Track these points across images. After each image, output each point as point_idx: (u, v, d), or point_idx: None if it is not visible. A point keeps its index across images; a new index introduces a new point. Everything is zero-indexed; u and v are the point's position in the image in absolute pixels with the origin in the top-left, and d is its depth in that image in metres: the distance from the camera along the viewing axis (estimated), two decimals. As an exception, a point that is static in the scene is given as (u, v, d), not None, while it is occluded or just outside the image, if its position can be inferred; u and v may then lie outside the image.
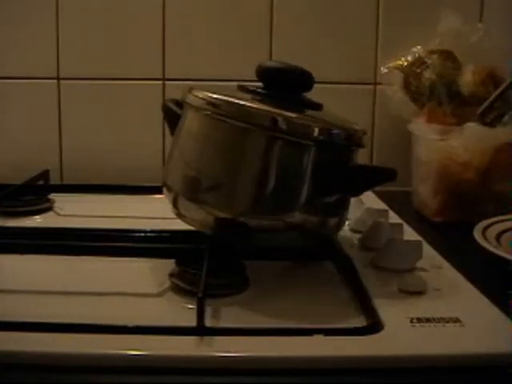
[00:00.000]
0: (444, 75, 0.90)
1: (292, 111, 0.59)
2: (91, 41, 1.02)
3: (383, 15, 1.03)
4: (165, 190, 0.64)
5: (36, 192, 0.87)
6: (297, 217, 0.58)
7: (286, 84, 0.63)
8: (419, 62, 0.93)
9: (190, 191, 0.60)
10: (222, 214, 0.58)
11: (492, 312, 0.53)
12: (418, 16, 1.01)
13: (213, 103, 0.60)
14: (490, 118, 0.85)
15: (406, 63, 0.93)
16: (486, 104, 0.85)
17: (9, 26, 1.01)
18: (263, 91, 0.63)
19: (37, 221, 0.80)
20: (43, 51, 1.01)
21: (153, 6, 1.01)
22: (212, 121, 0.60)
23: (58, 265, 0.63)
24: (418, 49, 0.94)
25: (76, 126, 1.03)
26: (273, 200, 0.58)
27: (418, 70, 0.92)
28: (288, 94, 0.63)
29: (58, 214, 0.83)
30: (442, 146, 0.83)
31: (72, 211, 0.83)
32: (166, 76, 1.02)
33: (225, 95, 0.60)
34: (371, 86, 1.05)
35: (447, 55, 0.92)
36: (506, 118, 0.84)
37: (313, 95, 0.64)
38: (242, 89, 0.64)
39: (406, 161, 0.95)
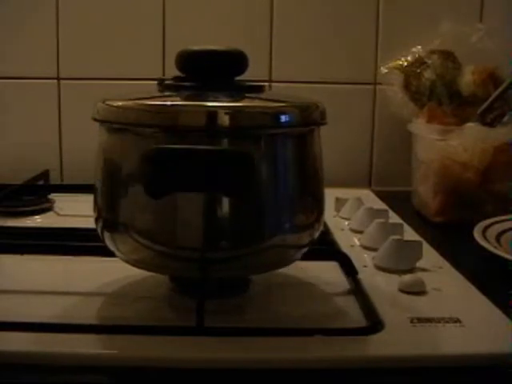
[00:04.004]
0: (444, 75, 0.90)
1: (230, 100, 0.50)
2: (91, 41, 1.02)
3: (383, 15, 1.03)
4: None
5: (36, 192, 0.87)
6: (269, 240, 0.50)
7: (213, 70, 0.52)
8: (419, 62, 0.93)
9: (127, 232, 0.50)
10: (165, 252, 0.49)
11: (492, 312, 0.53)
12: (418, 16, 1.01)
13: (123, 113, 0.49)
14: (490, 118, 0.85)
15: (406, 63, 0.93)
16: (485, 104, 0.85)
17: (9, 25, 1.01)
18: (189, 84, 0.53)
19: (37, 221, 0.81)
20: (43, 51, 1.02)
21: (153, 6, 1.01)
22: (132, 137, 0.49)
23: (58, 265, 0.63)
24: (418, 49, 0.94)
25: (76, 126, 1.03)
26: (234, 225, 0.48)
27: (418, 70, 0.92)
28: (219, 82, 0.52)
29: (58, 214, 0.83)
30: (442, 146, 0.83)
31: (72, 211, 0.83)
32: (166, 76, 1.01)
33: (138, 99, 0.50)
34: (371, 86, 1.05)
35: (447, 55, 0.92)
36: (506, 117, 0.84)
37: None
38: (163, 86, 0.54)
39: (406, 161, 0.95)
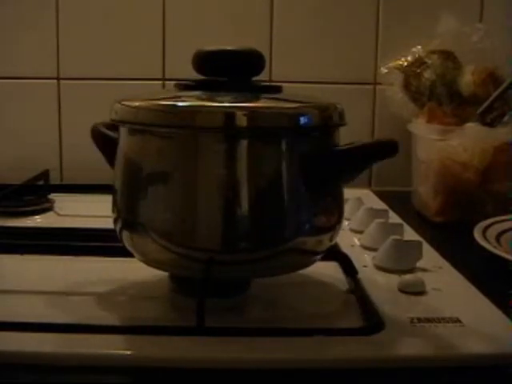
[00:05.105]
0: (444, 75, 0.90)
1: (248, 101, 0.50)
2: (91, 41, 1.02)
3: (383, 15, 1.03)
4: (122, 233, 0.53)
5: (36, 192, 0.87)
6: (287, 242, 0.49)
7: (231, 70, 0.52)
8: (419, 62, 0.93)
9: (145, 231, 0.49)
10: (183, 253, 0.49)
11: (492, 312, 0.53)
12: (418, 16, 1.01)
13: (141, 114, 0.49)
14: (490, 118, 0.85)
15: (406, 63, 0.93)
16: (485, 104, 0.85)
17: (9, 25, 1.01)
18: (207, 84, 0.53)
19: (37, 221, 0.80)
20: (43, 51, 1.02)
21: (153, 6, 1.01)
22: (151, 138, 0.49)
23: (58, 265, 0.63)
24: (418, 49, 0.94)
25: (76, 126, 1.03)
26: (251, 228, 0.48)
27: (418, 70, 0.92)
28: (237, 82, 0.53)
29: (58, 214, 0.83)
30: (442, 146, 0.83)
31: (72, 211, 0.83)
32: (166, 76, 1.02)
33: (156, 99, 0.50)
34: (371, 86, 1.05)
35: (447, 55, 0.92)
36: (506, 117, 0.84)
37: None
38: (181, 87, 0.53)
39: (406, 161, 0.95)
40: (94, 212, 0.78)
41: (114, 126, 0.53)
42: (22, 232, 0.71)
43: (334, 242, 0.54)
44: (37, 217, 0.82)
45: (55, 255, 0.61)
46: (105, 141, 0.55)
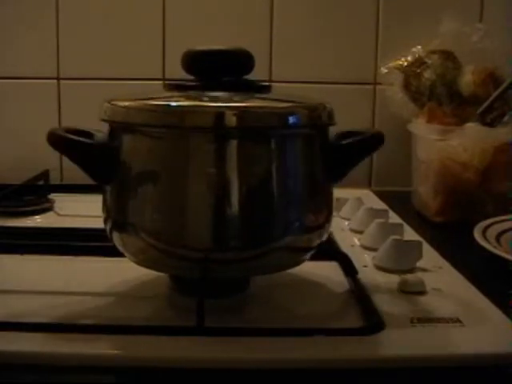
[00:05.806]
0: (444, 75, 0.90)
1: (237, 101, 0.50)
2: (91, 41, 1.02)
3: (383, 15, 1.03)
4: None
5: (36, 192, 0.87)
6: (278, 240, 0.50)
7: (220, 70, 0.52)
8: (419, 62, 0.93)
9: (135, 231, 0.49)
10: (174, 252, 0.49)
11: (492, 312, 0.53)
12: (418, 16, 1.01)
13: (131, 114, 0.49)
14: (490, 118, 0.85)
15: (406, 63, 0.93)
16: (485, 104, 0.85)
17: (9, 25, 1.01)
18: (196, 84, 0.52)
19: (37, 221, 0.80)
20: (43, 51, 1.02)
21: (153, 6, 1.01)
22: (141, 138, 0.49)
23: (58, 265, 0.63)
24: (418, 49, 0.94)
25: (76, 126, 1.03)
26: (241, 227, 0.48)
27: (418, 70, 0.92)
28: (226, 82, 0.52)
29: (58, 214, 0.83)
30: (442, 146, 0.83)
31: (72, 211, 0.83)
32: (166, 76, 1.02)
33: (146, 99, 0.50)
34: (371, 86, 1.05)
35: (447, 55, 0.92)
36: (506, 117, 0.84)
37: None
38: (171, 87, 0.53)
39: (406, 161, 0.95)
40: (94, 212, 0.77)
41: (77, 130, 0.54)
42: (22, 232, 0.71)
43: (324, 239, 0.54)
44: (37, 217, 0.82)
45: (55, 255, 0.61)
46: (69, 145, 0.55)
